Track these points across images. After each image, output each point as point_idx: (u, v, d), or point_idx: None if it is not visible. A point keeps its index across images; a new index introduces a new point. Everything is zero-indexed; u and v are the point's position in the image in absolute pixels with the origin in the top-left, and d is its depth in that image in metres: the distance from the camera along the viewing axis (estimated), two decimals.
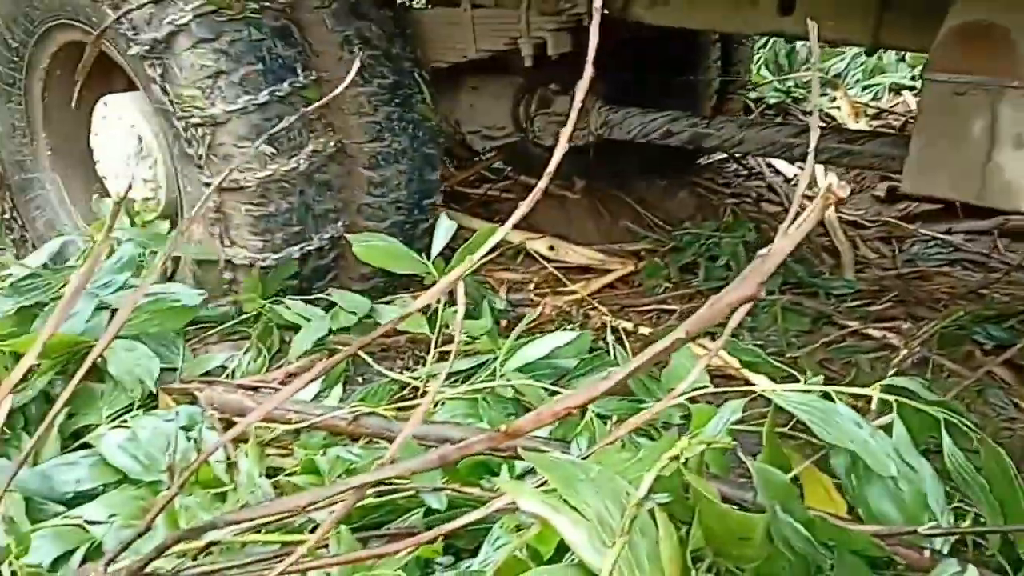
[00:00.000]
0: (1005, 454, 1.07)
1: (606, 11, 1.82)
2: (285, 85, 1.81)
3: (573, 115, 0.81)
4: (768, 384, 1.15)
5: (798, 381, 1.60)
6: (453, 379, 1.49)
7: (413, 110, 2.08)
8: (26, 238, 2.35)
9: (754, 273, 0.41)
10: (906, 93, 3.88)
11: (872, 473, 1.04)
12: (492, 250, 0.94)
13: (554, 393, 1.24)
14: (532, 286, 2.37)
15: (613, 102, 2.27)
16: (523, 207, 0.84)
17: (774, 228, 2.73)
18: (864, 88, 3.96)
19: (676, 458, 0.84)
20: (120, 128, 2.03)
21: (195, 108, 1.75)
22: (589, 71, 0.80)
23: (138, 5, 1.74)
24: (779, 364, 1.84)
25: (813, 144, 0.85)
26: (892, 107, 3.81)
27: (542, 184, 0.83)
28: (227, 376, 1.97)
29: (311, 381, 1.01)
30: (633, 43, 2.16)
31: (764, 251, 0.51)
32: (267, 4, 1.83)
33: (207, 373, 1.92)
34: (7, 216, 2.35)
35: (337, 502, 0.86)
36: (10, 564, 1.07)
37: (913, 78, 3.97)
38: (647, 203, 2.77)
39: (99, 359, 1.45)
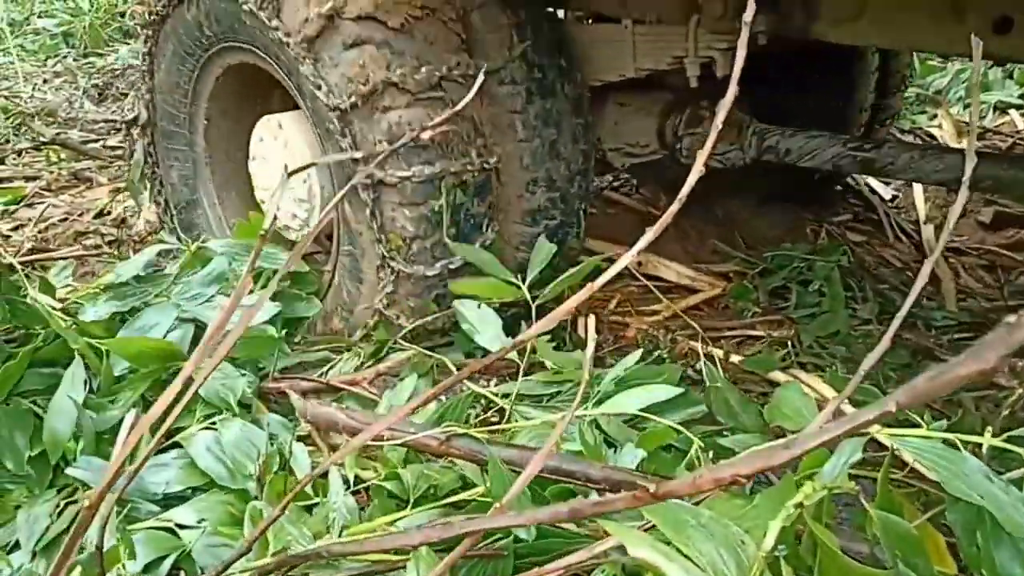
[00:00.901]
0: None
1: (784, 29, 1.74)
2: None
3: (713, 134, 0.76)
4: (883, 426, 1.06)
5: (913, 424, 1.52)
6: (536, 400, 1.45)
7: (571, 135, 1.97)
8: None
9: (995, 344, 0.36)
10: (1012, 112, 3.68)
11: (1001, 532, 0.97)
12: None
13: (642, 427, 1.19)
14: (614, 303, 2.32)
15: (764, 122, 2.13)
16: (650, 233, 0.79)
17: (870, 252, 2.62)
18: (966, 106, 3.78)
19: (800, 505, 0.78)
20: (278, 147, 2.03)
21: None
22: (733, 89, 0.75)
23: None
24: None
25: (968, 173, 0.78)
26: (997, 127, 3.62)
27: (673, 208, 0.78)
28: (321, 374, 2.00)
29: (417, 408, 0.99)
30: (787, 62, 2.03)
31: (1012, 318, 0.44)
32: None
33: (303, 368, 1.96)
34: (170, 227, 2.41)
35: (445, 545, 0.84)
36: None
37: (1021, 96, 3.77)
38: (736, 221, 2.69)
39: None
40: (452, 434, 1.15)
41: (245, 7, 1.79)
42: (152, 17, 2.08)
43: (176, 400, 0.90)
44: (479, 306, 1.66)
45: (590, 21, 2.26)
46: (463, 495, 1.25)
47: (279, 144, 2.01)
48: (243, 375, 1.58)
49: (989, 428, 1.29)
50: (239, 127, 2.21)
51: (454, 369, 1.50)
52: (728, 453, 1.26)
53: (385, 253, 1.79)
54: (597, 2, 2.07)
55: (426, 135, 1.54)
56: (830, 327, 2.16)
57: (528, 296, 1.51)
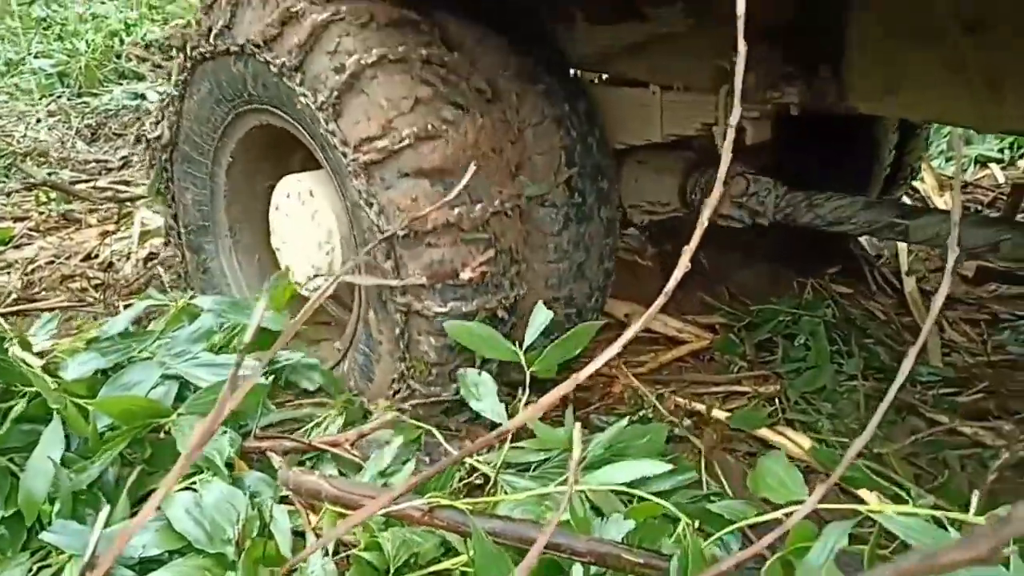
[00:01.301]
0: None
1: (816, 101, 1.73)
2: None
3: (718, 187, 0.77)
4: (872, 500, 1.07)
5: (900, 484, 1.51)
6: (521, 468, 1.44)
7: (599, 256, 1.94)
8: None
9: (990, 535, 0.35)
10: (993, 166, 3.74)
11: None
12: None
13: (632, 500, 1.18)
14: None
15: (787, 182, 2.07)
16: (662, 297, 0.79)
17: (855, 305, 2.64)
18: (948, 160, 3.84)
19: None
20: (304, 212, 1.99)
21: None
22: (727, 156, 0.76)
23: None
24: (867, 465, 1.76)
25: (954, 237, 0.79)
26: (978, 180, 3.68)
27: (683, 261, 0.78)
28: (304, 432, 1.99)
29: (406, 492, 0.98)
30: (809, 118, 1.97)
31: (1003, 511, 0.44)
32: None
33: (286, 426, 1.95)
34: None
35: None
36: None
37: (1000, 151, 3.83)
38: (721, 273, 2.71)
39: (168, 430, 1.46)
40: (435, 505, 1.13)
41: (302, 99, 1.73)
42: (194, 52, 2.04)
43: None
44: (479, 373, 1.66)
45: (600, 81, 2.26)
46: (446, 563, 1.24)
47: (306, 210, 1.96)
48: (225, 432, 1.57)
49: (976, 492, 1.30)
50: (264, 174, 2.19)
51: (440, 437, 1.49)
52: (716, 520, 1.26)
53: (404, 371, 1.77)
54: (625, 68, 2.04)
55: (466, 276, 1.54)
56: (816, 382, 2.17)
57: (523, 361, 1.50)
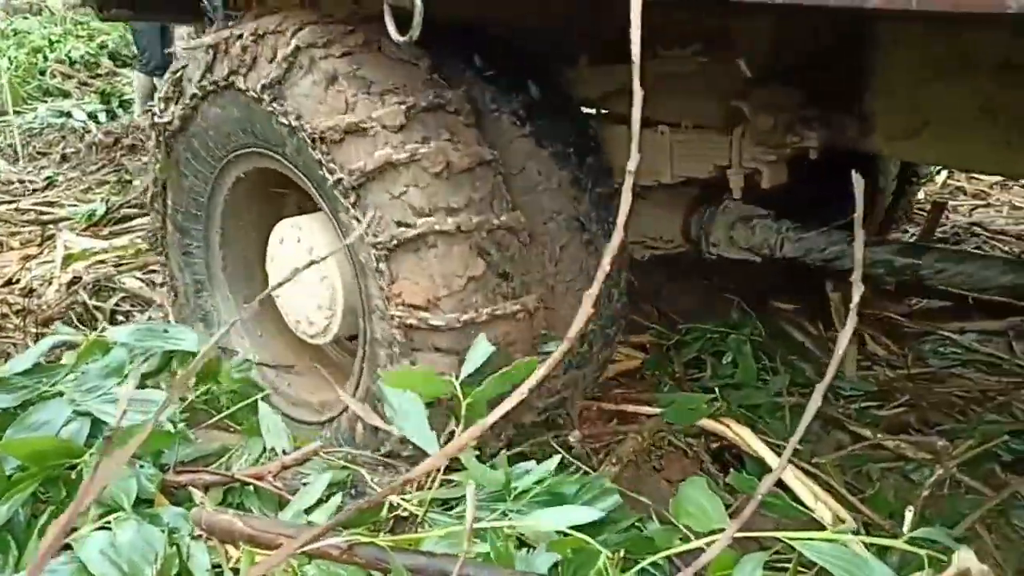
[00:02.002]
0: None
1: (837, 143, 1.67)
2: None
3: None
4: (792, 531, 1.08)
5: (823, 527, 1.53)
6: (450, 506, 1.41)
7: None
8: None
9: None
10: None
11: None
12: None
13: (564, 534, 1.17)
14: None
15: (786, 214, 2.01)
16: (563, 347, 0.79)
17: (787, 322, 2.68)
18: None
19: None
20: (296, 251, 1.92)
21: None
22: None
23: None
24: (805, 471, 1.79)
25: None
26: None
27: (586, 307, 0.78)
28: (223, 465, 1.93)
29: (324, 532, 0.96)
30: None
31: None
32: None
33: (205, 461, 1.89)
34: None
35: None
36: None
37: None
38: (651, 292, 2.75)
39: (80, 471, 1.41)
40: (355, 542, 1.11)
41: (301, 135, 1.65)
42: (169, 127, 2.00)
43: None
44: (404, 392, 1.60)
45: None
46: None
47: (302, 248, 1.92)
48: (143, 467, 1.52)
49: (910, 509, 1.33)
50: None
51: (365, 475, 1.46)
52: (642, 547, 1.26)
53: None
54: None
55: None
56: (746, 400, 2.20)
57: (459, 392, 1.47)
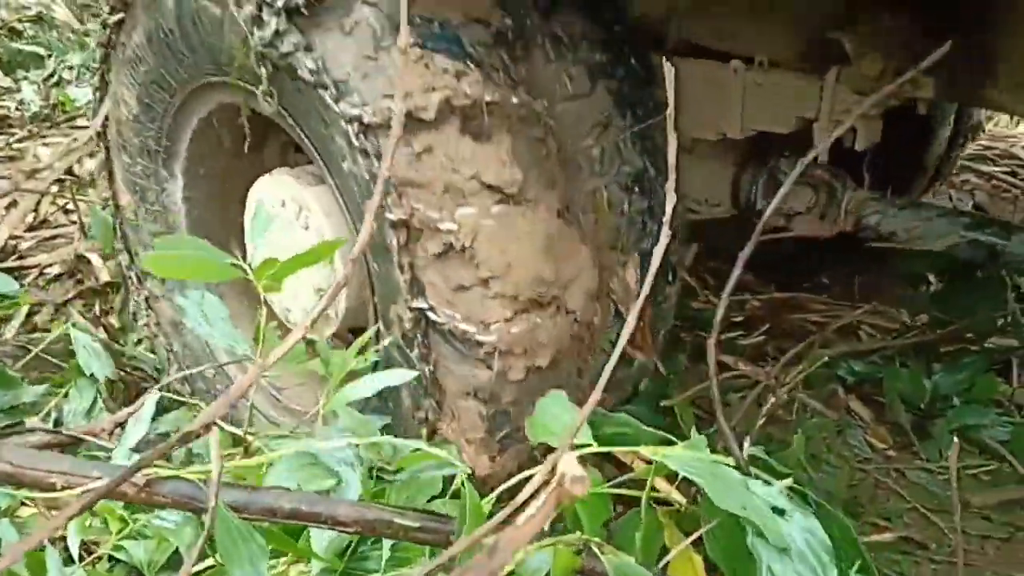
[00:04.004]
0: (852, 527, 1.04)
1: (951, 95, 1.36)
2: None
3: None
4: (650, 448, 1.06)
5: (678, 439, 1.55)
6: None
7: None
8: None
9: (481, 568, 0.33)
10: None
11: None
12: None
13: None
14: None
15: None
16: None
17: None
18: None
19: None
20: (286, 217, 1.54)
21: None
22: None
23: None
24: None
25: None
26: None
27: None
28: (50, 414, 1.77)
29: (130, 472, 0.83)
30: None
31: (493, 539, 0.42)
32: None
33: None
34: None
35: None
36: None
37: None
38: None
39: None
40: (154, 478, 0.93)
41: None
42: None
43: None
44: (202, 296, 1.36)
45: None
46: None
47: (299, 223, 1.55)
48: None
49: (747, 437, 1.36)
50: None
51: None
52: None
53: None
54: (694, 30, 1.53)
55: None
56: None
57: (251, 276, 1.17)
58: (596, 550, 0.94)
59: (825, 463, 1.91)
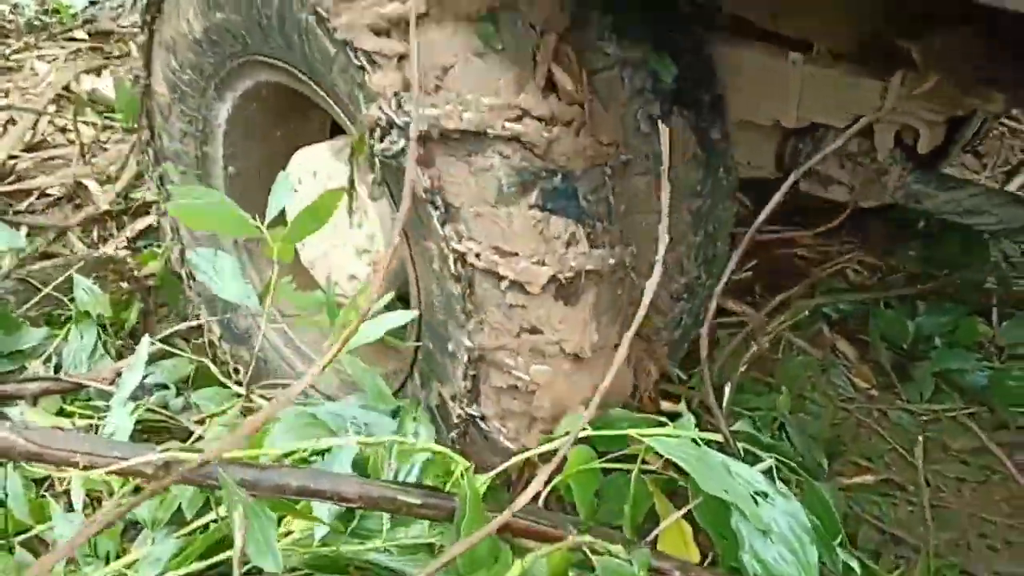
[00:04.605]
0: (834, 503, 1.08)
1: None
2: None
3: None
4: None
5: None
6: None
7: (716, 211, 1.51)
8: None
9: None
10: None
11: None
12: None
13: None
14: None
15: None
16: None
17: None
18: None
19: None
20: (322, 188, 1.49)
21: None
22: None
23: None
24: None
25: None
26: None
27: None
28: (50, 359, 1.79)
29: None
30: None
31: None
32: None
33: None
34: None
35: None
36: None
37: None
38: None
39: None
40: (172, 459, 0.97)
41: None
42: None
43: None
44: (215, 253, 1.40)
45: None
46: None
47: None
48: None
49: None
50: None
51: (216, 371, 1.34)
52: None
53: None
54: (747, 8, 1.51)
55: None
56: None
57: (267, 236, 1.26)
58: (587, 551, 0.96)
59: (810, 402, 1.96)
